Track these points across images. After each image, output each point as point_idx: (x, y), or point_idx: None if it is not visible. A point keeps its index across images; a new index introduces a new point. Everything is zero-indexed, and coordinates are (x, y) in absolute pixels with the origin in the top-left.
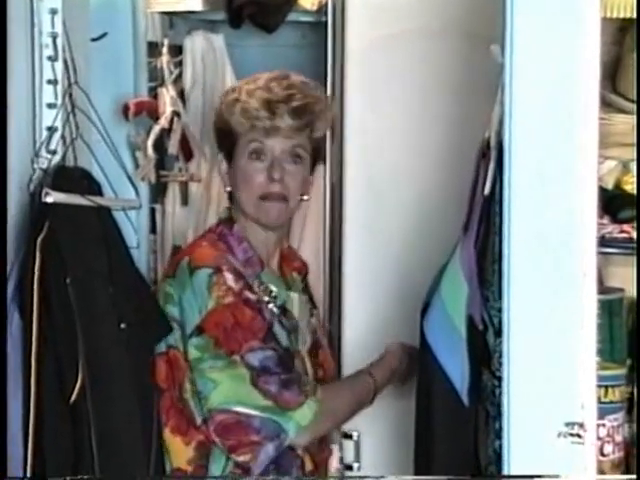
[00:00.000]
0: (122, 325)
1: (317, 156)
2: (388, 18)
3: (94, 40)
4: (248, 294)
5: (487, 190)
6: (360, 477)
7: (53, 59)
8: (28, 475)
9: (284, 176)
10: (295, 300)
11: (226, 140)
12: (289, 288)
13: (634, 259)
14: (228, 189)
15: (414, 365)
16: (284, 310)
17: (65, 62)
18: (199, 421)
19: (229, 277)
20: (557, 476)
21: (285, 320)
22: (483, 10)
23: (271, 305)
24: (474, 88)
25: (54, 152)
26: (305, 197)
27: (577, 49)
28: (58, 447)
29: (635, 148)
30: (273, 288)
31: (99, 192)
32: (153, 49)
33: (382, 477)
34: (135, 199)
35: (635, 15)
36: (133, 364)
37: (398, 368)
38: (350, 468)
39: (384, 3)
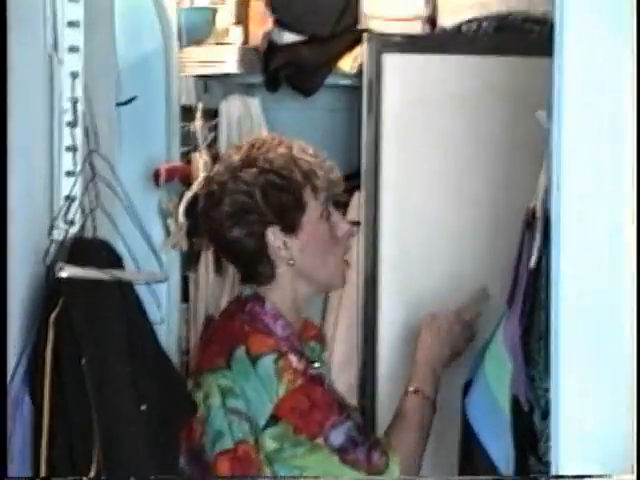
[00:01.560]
0: (142, 407)
1: None
2: (426, 82)
3: (121, 104)
4: (311, 371)
5: (533, 263)
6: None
7: (72, 125)
8: None
9: None
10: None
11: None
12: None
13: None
14: (291, 262)
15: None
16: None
17: (86, 128)
18: None
19: (293, 359)
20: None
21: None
22: (525, 73)
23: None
24: (516, 155)
25: (72, 222)
26: None
27: (626, 115)
28: None
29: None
30: (317, 364)
31: (119, 265)
32: (187, 113)
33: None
34: (160, 272)
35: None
36: (156, 451)
37: (438, 359)
38: None
39: (421, 66)
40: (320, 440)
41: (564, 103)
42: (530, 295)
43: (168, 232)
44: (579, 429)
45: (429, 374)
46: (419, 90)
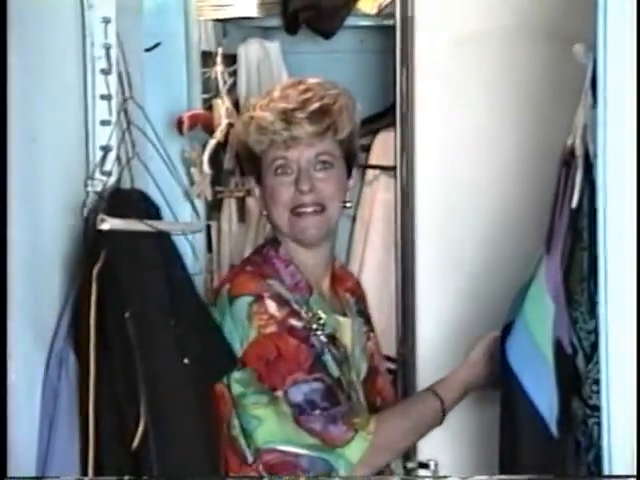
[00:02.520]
0: (186, 360)
1: (351, 158)
2: (459, 19)
3: (147, 50)
4: (293, 322)
5: (575, 202)
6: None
7: (107, 72)
8: None
9: (315, 185)
10: (347, 326)
11: (250, 162)
12: (342, 312)
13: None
14: (264, 213)
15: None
16: (333, 338)
17: (119, 75)
18: (250, 459)
19: (271, 304)
20: None
21: (334, 349)
22: (563, 8)
23: (319, 332)
24: (553, 92)
25: (109, 173)
26: (347, 204)
27: None
28: None
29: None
30: (322, 315)
31: (158, 215)
32: (207, 58)
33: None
34: (197, 222)
35: None
36: (197, 402)
37: (474, 380)
38: None
39: (454, 3)
40: (280, 393)
41: (608, 35)
42: (571, 236)
43: (192, 181)
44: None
45: (458, 390)
46: (453, 28)
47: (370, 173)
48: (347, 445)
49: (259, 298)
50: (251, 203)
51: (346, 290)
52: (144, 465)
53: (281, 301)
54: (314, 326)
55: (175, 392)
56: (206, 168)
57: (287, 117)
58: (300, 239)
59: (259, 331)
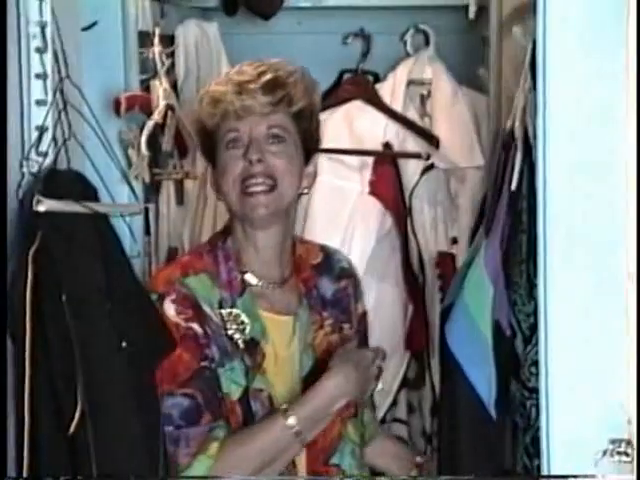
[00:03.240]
0: (123, 344)
1: (308, 140)
2: None
3: (84, 29)
4: (193, 327)
5: (514, 185)
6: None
7: (42, 51)
8: None
9: (265, 158)
10: (285, 325)
11: (205, 141)
12: (287, 309)
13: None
14: (218, 196)
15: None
16: (254, 344)
17: (55, 54)
18: None
19: (170, 307)
20: (593, 476)
21: (249, 357)
22: None
23: (237, 336)
24: None
25: (45, 154)
26: (305, 191)
27: (616, 27)
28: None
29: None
30: (245, 318)
31: (95, 197)
32: (144, 39)
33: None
34: (136, 204)
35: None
36: (136, 387)
37: (334, 393)
38: None
39: None
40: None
41: (547, 18)
42: (511, 219)
43: (129, 163)
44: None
45: (314, 406)
46: None
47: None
48: (187, 469)
49: (160, 298)
50: (189, 186)
51: (301, 280)
52: (81, 451)
53: (186, 304)
54: (231, 330)
55: (113, 376)
56: (144, 150)
57: (240, 88)
58: (250, 218)
59: None
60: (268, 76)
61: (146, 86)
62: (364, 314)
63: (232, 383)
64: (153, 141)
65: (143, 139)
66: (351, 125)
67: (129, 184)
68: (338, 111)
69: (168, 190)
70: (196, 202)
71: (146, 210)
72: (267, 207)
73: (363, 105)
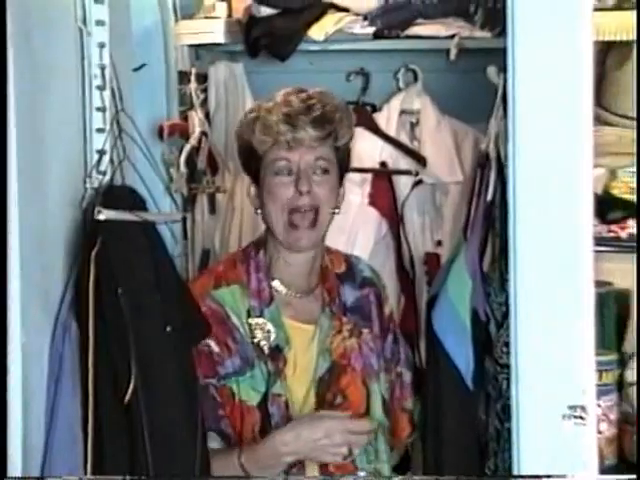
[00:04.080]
0: (168, 329)
1: (343, 167)
2: None
3: (135, 70)
4: (210, 344)
5: (489, 197)
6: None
7: (102, 88)
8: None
9: (312, 188)
10: (307, 333)
11: (251, 161)
12: (311, 317)
13: (634, 258)
14: (258, 211)
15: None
16: (278, 351)
17: (112, 91)
18: None
19: None
20: (564, 476)
21: (272, 363)
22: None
23: (264, 343)
24: None
25: (104, 173)
26: (337, 210)
27: (574, 68)
28: (115, 445)
29: (635, 148)
30: (271, 327)
31: (144, 208)
32: (183, 77)
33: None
34: (177, 213)
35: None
36: (179, 364)
37: (282, 453)
38: None
39: None
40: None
41: (516, 60)
42: (486, 224)
43: (171, 179)
44: (535, 338)
45: (264, 457)
46: None
47: None
48: None
49: None
50: (219, 198)
51: (325, 290)
52: (136, 418)
53: (212, 319)
54: (257, 338)
55: (160, 355)
56: (182, 168)
57: (291, 120)
58: (292, 248)
59: None
60: (317, 112)
61: (184, 116)
62: (391, 315)
63: (251, 390)
64: (190, 161)
65: (182, 159)
66: (353, 147)
67: (171, 196)
68: None
69: (202, 202)
70: (225, 212)
71: (184, 218)
72: (309, 241)
73: (363, 131)
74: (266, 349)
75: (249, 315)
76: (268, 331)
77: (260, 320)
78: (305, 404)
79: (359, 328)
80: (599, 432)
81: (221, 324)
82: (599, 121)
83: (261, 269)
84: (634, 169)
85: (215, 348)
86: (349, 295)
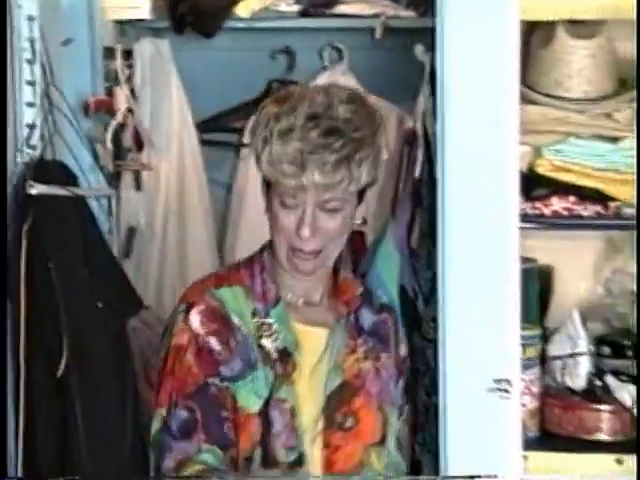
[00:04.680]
0: (99, 304)
1: (365, 190)
2: None
3: (63, 44)
4: (211, 342)
5: (417, 174)
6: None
7: (31, 62)
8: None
9: (317, 231)
10: (318, 337)
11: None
12: (323, 323)
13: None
14: (268, 214)
15: None
16: (286, 354)
17: (42, 64)
18: None
19: (195, 318)
20: (495, 476)
21: (280, 365)
22: None
23: (269, 345)
24: None
25: (34, 147)
26: (356, 221)
27: (500, 48)
28: (47, 420)
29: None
30: (278, 328)
31: (75, 183)
32: (108, 53)
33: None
34: (107, 187)
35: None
36: (111, 339)
37: None
38: None
39: None
40: (163, 411)
41: (445, 37)
42: (414, 201)
43: (96, 156)
44: (463, 313)
45: None
46: None
47: (245, 150)
48: None
49: (189, 307)
50: (145, 175)
51: (343, 302)
52: (69, 392)
53: (212, 317)
54: (263, 339)
55: (91, 330)
56: (108, 145)
57: (301, 161)
58: (294, 275)
59: (169, 341)
60: (332, 157)
61: (110, 92)
62: (404, 359)
63: (252, 394)
64: (116, 138)
65: (108, 136)
66: None
67: (102, 171)
68: None
69: (127, 179)
70: (150, 189)
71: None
72: (314, 269)
73: None
74: (273, 351)
75: (253, 315)
76: (275, 332)
77: (267, 320)
78: (312, 421)
79: (376, 352)
80: (522, 405)
81: (221, 321)
82: (524, 100)
83: (266, 271)
84: (559, 147)
85: (216, 346)
86: (366, 317)
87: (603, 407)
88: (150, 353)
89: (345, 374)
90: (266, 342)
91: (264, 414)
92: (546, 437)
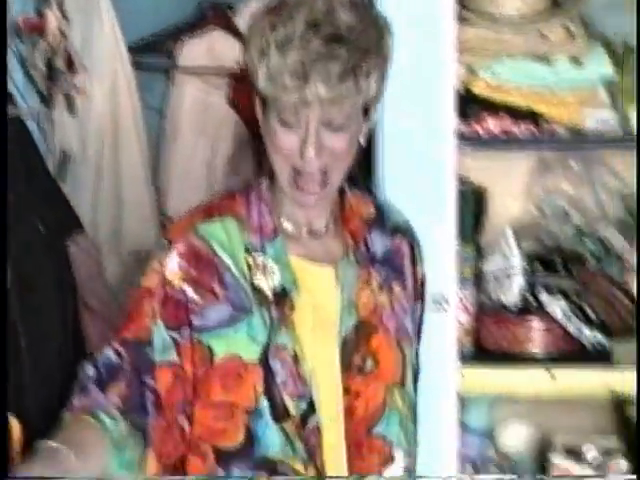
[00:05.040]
0: (40, 228)
1: (369, 107)
2: None
3: None
4: (186, 291)
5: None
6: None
7: None
8: None
9: (322, 151)
10: (323, 276)
11: (254, 85)
12: (330, 259)
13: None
14: (265, 137)
15: None
16: (284, 295)
17: None
18: None
19: (173, 262)
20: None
21: (275, 307)
22: None
23: (264, 286)
24: None
25: None
26: (361, 140)
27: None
28: None
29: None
30: (273, 265)
31: (13, 102)
32: None
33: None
34: (43, 108)
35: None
36: (54, 259)
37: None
38: None
39: None
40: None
41: None
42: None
43: (30, 77)
44: None
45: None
46: None
47: (180, 76)
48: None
49: (168, 245)
50: (78, 99)
51: (349, 232)
52: (11, 321)
53: (193, 261)
54: (257, 279)
55: (35, 251)
56: (41, 67)
57: (304, 72)
58: (297, 204)
59: (141, 280)
60: (337, 68)
61: (41, 13)
62: (423, 280)
63: (249, 341)
64: (48, 60)
65: (39, 58)
66: (213, 49)
67: (38, 93)
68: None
69: (61, 102)
70: (84, 113)
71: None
72: (320, 199)
73: (222, 32)
74: (269, 292)
75: (247, 252)
76: (270, 270)
77: (261, 257)
78: (327, 366)
79: (389, 282)
80: (459, 323)
81: (204, 265)
82: (460, 20)
83: (264, 200)
84: (494, 67)
85: (192, 294)
86: (378, 244)
87: (535, 322)
88: (86, 278)
89: (360, 311)
90: (260, 282)
91: (265, 362)
92: (481, 353)
